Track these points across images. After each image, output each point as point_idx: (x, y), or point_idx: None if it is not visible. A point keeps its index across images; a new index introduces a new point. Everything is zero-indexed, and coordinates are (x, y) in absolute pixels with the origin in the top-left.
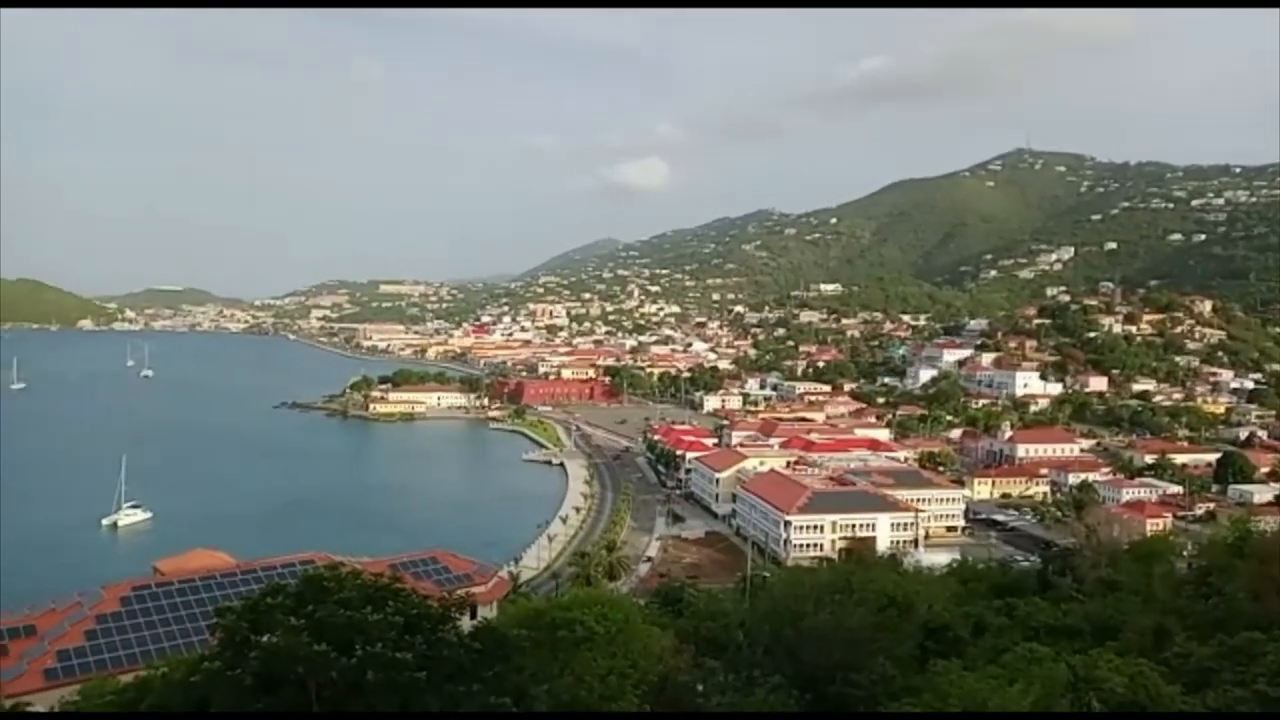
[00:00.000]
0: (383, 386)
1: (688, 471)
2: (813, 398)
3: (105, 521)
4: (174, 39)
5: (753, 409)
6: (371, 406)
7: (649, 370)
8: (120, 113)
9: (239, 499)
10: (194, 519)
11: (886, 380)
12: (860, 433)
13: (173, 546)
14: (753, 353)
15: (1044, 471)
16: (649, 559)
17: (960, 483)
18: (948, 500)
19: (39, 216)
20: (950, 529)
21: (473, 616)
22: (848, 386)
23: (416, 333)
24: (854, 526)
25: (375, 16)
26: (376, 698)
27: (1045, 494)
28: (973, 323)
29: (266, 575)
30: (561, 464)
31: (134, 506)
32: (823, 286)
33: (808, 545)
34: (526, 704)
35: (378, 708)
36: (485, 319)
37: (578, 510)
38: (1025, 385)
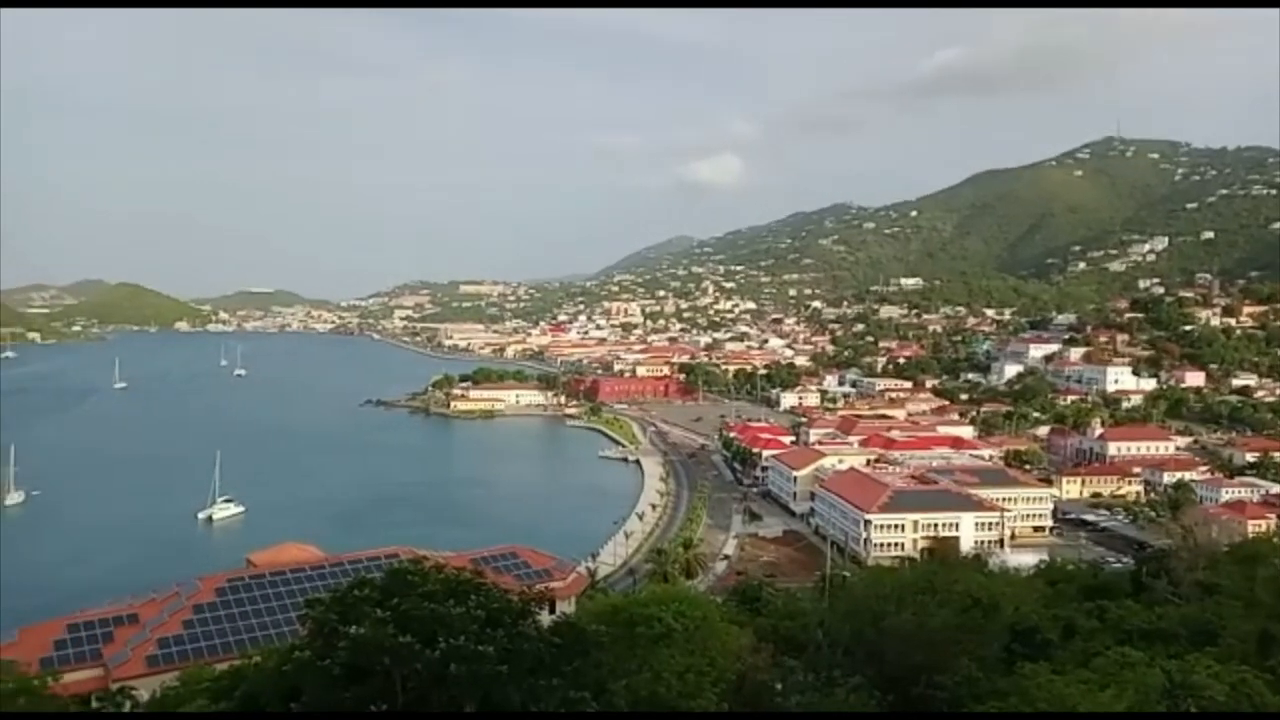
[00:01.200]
0: (463, 385)
1: (764, 469)
2: (893, 394)
3: (201, 515)
4: (264, 46)
5: (831, 406)
6: (452, 404)
7: (724, 367)
8: (214, 121)
9: (327, 493)
10: (284, 513)
11: (970, 376)
12: (943, 430)
13: (264, 539)
14: (831, 349)
15: (1137, 470)
16: (726, 557)
17: (1048, 481)
18: (1035, 499)
19: (137, 222)
20: (1038, 529)
21: (552, 611)
22: (929, 383)
23: (495, 332)
24: (937, 526)
25: (458, 19)
26: (459, 689)
27: (1138, 494)
28: (1060, 317)
29: (353, 568)
30: (637, 461)
31: (228, 501)
32: (903, 281)
33: (889, 545)
34: (605, 699)
35: (460, 699)
36: (562, 318)
37: (654, 507)
38: (1117, 381)
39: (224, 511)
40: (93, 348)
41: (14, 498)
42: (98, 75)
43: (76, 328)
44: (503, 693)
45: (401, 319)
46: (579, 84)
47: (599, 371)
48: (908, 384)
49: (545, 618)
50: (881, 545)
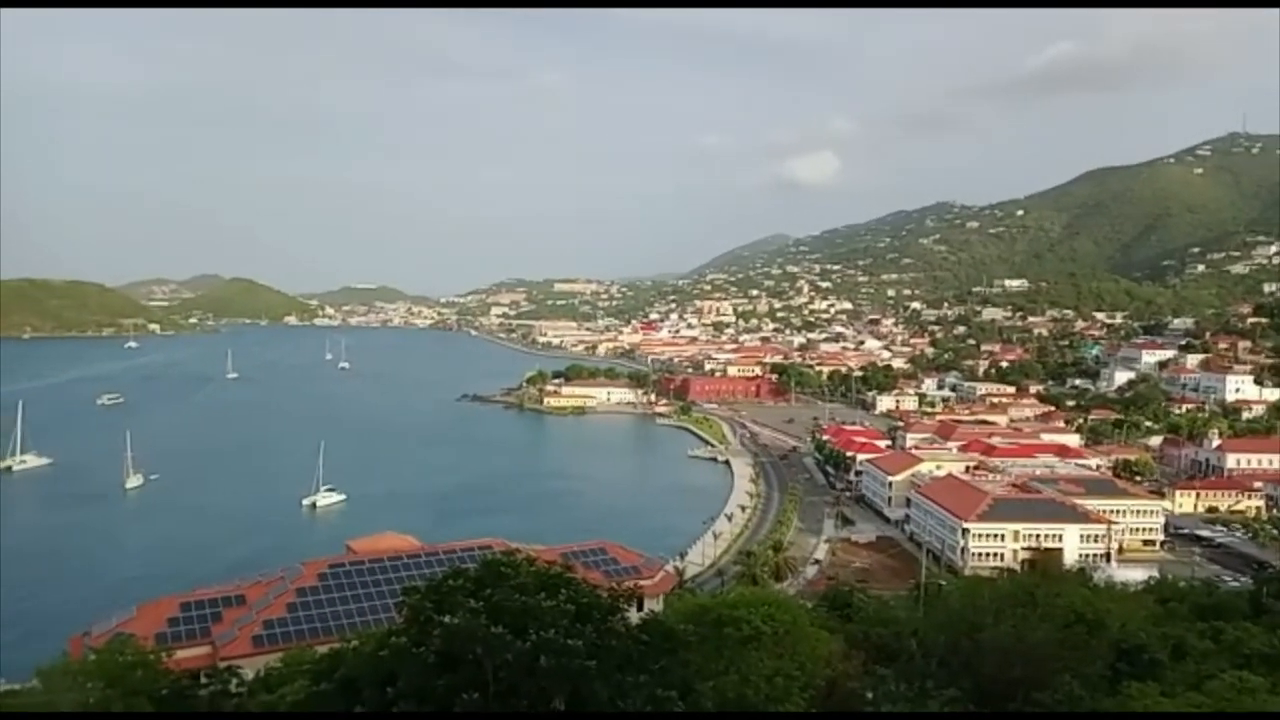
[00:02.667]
0: (556, 381)
1: (858, 473)
2: (995, 399)
3: (305, 502)
4: (371, 51)
5: (929, 410)
6: (545, 400)
7: (818, 368)
8: (321, 124)
9: (423, 484)
10: (382, 502)
11: (1077, 382)
12: (1047, 438)
13: (364, 527)
14: (930, 351)
15: (1258, 484)
16: (816, 561)
17: (1160, 494)
18: (1145, 512)
19: (254, 221)
20: (1147, 543)
21: (639, 609)
22: (1034, 388)
23: (588, 329)
24: (1038, 536)
25: (555, 20)
26: (548, 681)
27: (1259, 509)
28: (1176, 321)
29: (448, 558)
30: (727, 461)
31: (330, 489)
32: (1007, 282)
33: (987, 554)
34: (692, 699)
35: (549, 691)
36: (653, 316)
37: (743, 509)
38: (1238, 390)
39: (326, 499)
40: (207, 339)
41: (133, 481)
42: (215, 82)
43: (193, 320)
44: (591, 687)
45: (498, 315)
46: (675, 84)
47: (689, 370)
48: (1011, 389)
49: (633, 615)
50: (979, 555)
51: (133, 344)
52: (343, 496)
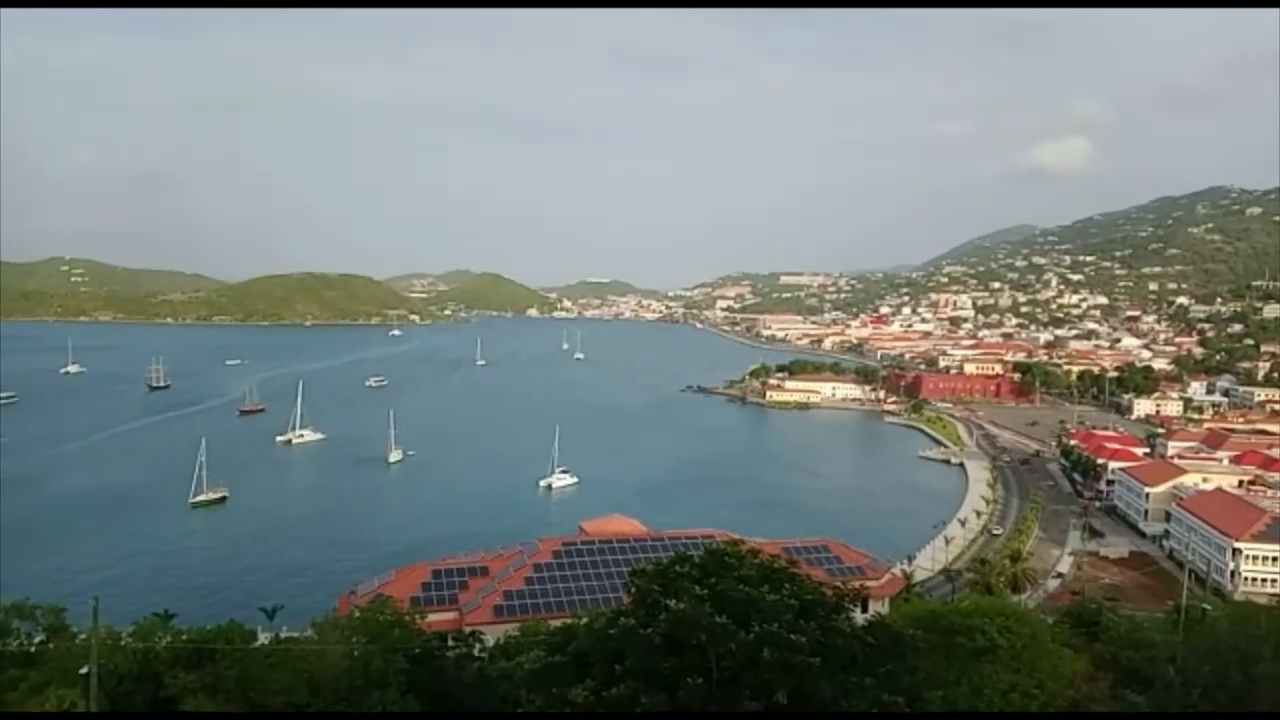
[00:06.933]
0: (779, 375)
1: (1110, 483)
2: (1276, 407)
3: (542, 483)
4: (604, 48)
5: (1196, 416)
6: (768, 394)
7: (1066, 368)
8: (560, 123)
9: (648, 470)
10: (611, 486)
11: None
12: None
13: (594, 509)
14: (1198, 352)
15: None
16: (1059, 574)
17: None
18: None
19: (502, 219)
20: None
21: (864, 610)
22: None
23: (813, 323)
24: None
25: (786, 14)
26: (771, 674)
27: None
28: None
29: (673, 544)
30: (961, 464)
31: (564, 472)
32: None
33: (1263, 579)
34: (919, 707)
35: (772, 684)
36: (884, 310)
37: (978, 514)
38: None
39: (561, 481)
40: (459, 329)
41: (395, 455)
42: (470, 89)
43: (447, 311)
44: (814, 684)
45: (722, 309)
46: (908, 72)
47: (922, 367)
48: None
49: (858, 616)
50: (1253, 579)
51: (396, 332)
52: (575, 479)
